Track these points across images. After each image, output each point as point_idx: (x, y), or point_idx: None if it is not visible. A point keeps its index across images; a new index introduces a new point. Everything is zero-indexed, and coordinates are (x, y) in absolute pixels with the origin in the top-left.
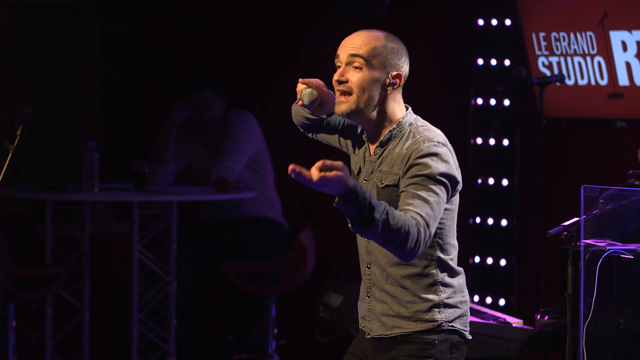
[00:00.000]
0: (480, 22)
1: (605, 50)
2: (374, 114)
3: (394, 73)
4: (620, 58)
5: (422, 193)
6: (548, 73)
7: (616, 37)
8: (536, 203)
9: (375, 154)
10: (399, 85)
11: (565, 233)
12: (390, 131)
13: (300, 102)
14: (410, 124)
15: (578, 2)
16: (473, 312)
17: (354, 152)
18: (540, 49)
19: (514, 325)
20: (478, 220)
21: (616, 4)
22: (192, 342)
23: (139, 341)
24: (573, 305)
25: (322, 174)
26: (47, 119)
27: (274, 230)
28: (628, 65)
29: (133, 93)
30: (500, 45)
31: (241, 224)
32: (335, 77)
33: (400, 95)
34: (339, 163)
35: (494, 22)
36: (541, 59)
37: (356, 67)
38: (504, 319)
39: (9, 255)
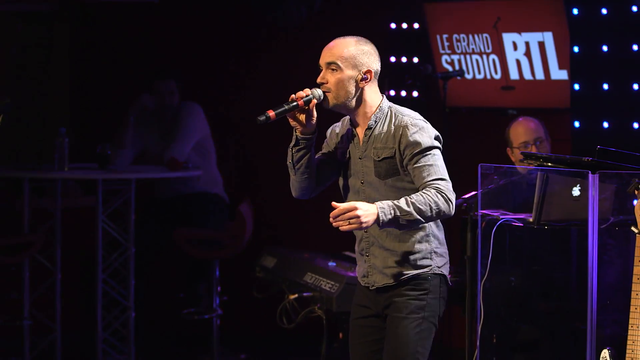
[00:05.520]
0: (393, 25)
1: (499, 50)
2: (355, 104)
3: (365, 70)
4: (511, 56)
5: (426, 161)
6: (450, 69)
7: (508, 38)
8: None
9: (366, 136)
10: (370, 79)
11: (465, 204)
12: (374, 115)
13: (304, 93)
14: (389, 107)
15: (475, 8)
16: None
17: (337, 146)
18: (443, 48)
19: None
20: None
21: (508, 10)
22: (148, 298)
23: (102, 298)
24: (471, 266)
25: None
26: (24, 109)
27: (217, 203)
28: (518, 62)
29: (96, 87)
30: (410, 45)
31: (189, 198)
32: (318, 80)
33: (376, 86)
34: (351, 205)
35: (404, 25)
36: (444, 57)
37: (333, 70)
38: None
39: None
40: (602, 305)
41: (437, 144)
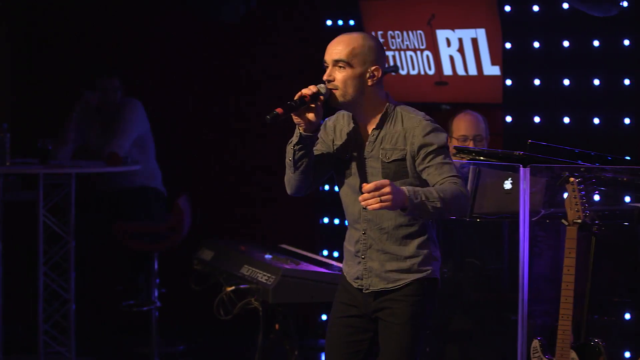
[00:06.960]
0: (329, 22)
1: (433, 46)
2: (362, 101)
3: (373, 67)
4: (445, 52)
5: (442, 160)
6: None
7: (442, 34)
8: None
9: (373, 135)
10: (378, 77)
11: None
12: (383, 115)
13: (311, 91)
14: (395, 107)
15: (410, 5)
16: (322, 264)
17: (335, 143)
18: None
19: None
20: (327, 187)
21: (442, 7)
22: (87, 291)
23: (43, 290)
24: None
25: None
26: None
27: (156, 197)
28: (451, 58)
29: (38, 83)
30: None
31: (129, 192)
32: (325, 77)
33: (382, 84)
34: (384, 181)
35: (340, 22)
36: None
37: (340, 67)
38: None
39: None
40: (533, 296)
41: (447, 143)
